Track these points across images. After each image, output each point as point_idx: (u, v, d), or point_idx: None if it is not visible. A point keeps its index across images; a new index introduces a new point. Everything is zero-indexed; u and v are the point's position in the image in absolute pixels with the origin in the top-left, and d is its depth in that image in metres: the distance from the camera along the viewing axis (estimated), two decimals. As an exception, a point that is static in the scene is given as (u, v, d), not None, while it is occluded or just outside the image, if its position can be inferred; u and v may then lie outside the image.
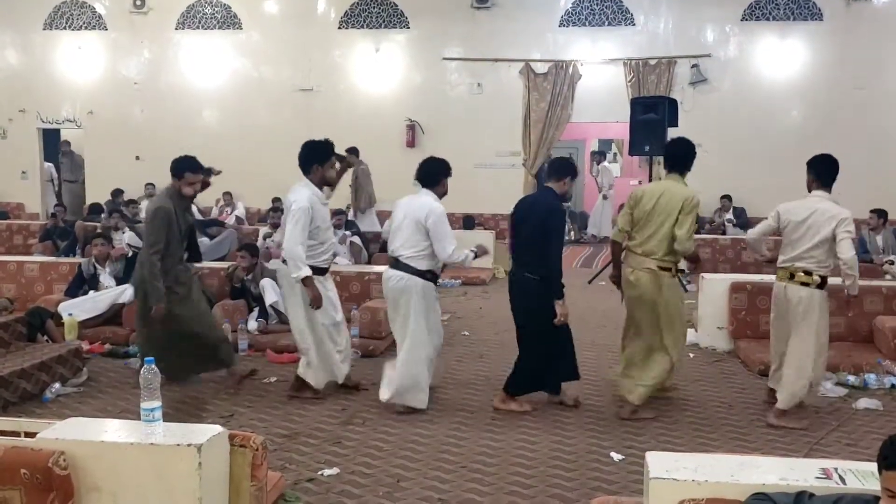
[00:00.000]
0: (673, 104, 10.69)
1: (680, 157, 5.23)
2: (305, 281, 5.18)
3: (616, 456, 4.55)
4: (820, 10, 13.55)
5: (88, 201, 14.01)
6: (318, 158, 5.38)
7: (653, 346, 5.22)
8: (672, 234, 4.98)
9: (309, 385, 5.54)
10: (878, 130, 12.80)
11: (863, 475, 2.59)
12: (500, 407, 5.36)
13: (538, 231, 5.08)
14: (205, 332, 5.59)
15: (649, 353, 5.24)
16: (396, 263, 5.26)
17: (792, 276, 5.04)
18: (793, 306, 5.03)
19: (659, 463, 2.72)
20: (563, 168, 5.32)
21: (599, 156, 16.48)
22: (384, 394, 5.32)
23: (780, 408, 5.08)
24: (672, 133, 10.42)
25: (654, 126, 10.24)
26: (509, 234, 5.49)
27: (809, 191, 5.14)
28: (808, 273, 4.98)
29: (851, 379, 5.94)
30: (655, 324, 5.16)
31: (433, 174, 5.34)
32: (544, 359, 5.26)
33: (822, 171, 5.11)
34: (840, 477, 2.60)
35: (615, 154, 19.37)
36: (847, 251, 4.86)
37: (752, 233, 5.50)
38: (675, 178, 5.18)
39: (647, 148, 10.50)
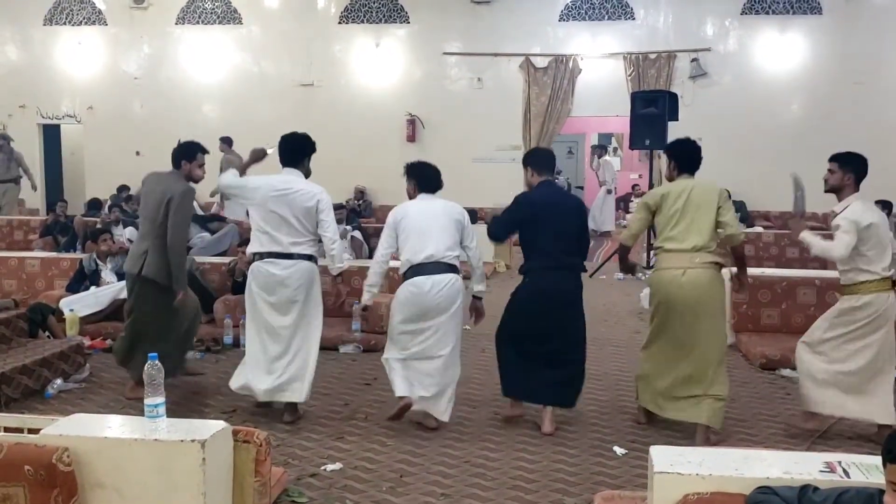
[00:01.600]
0: (673, 98, 10.69)
1: (696, 159, 4.88)
2: None
3: (619, 450, 4.56)
4: (819, 4, 13.55)
5: (88, 197, 13.98)
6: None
7: (712, 351, 4.68)
8: (715, 226, 4.65)
9: None
10: (878, 124, 12.80)
11: (867, 468, 2.60)
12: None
13: (578, 227, 4.96)
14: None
15: (717, 361, 4.69)
16: (442, 266, 4.86)
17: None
18: None
19: (663, 457, 2.73)
20: (554, 160, 5.27)
21: (600, 149, 16.46)
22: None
23: None
24: (672, 127, 10.45)
25: (655, 120, 10.24)
26: (516, 228, 4.98)
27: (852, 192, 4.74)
28: None
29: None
30: (716, 326, 4.73)
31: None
32: None
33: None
34: (844, 470, 2.60)
35: (615, 148, 19.36)
36: None
37: None
38: (687, 177, 4.84)
39: (647, 142, 10.50)
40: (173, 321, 5.38)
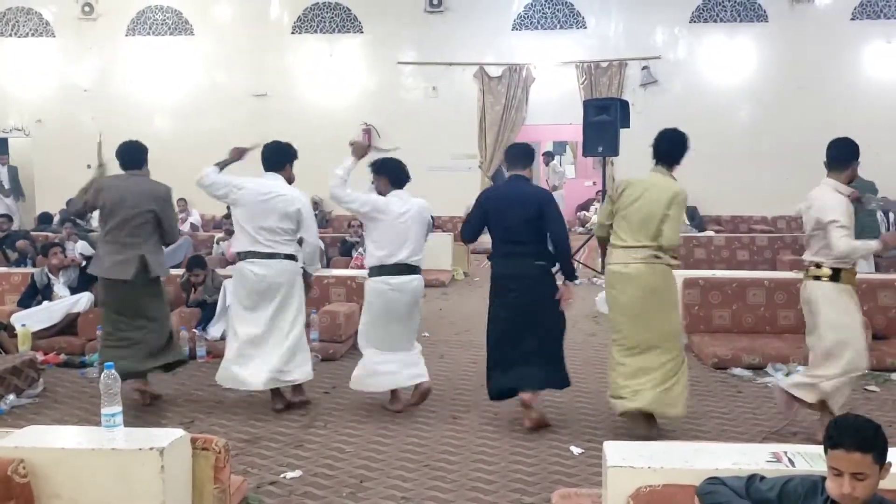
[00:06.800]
0: (625, 105, 10.88)
1: (664, 150, 4.92)
2: None
3: (575, 449, 4.63)
4: (765, 11, 13.92)
5: (38, 211, 13.73)
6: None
7: (653, 344, 4.72)
8: (659, 231, 4.64)
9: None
10: (823, 127, 13.02)
11: (810, 457, 2.70)
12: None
13: (538, 219, 4.92)
14: None
15: (656, 353, 4.74)
16: (411, 269, 5.29)
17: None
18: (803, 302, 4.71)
19: (616, 452, 2.81)
20: (529, 154, 5.33)
21: (547, 156, 16.57)
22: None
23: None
24: (624, 134, 10.64)
25: (607, 127, 10.41)
26: (480, 225, 5.16)
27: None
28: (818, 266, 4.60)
29: (801, 369, 6.10)
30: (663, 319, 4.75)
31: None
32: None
33: (829, 155, 4.80)
34: (790, 460, 2.71)
35: (573, 157, 19.59)
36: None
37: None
38: (662, 172, 4.90)
39: (600, 149, 10.66)
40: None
